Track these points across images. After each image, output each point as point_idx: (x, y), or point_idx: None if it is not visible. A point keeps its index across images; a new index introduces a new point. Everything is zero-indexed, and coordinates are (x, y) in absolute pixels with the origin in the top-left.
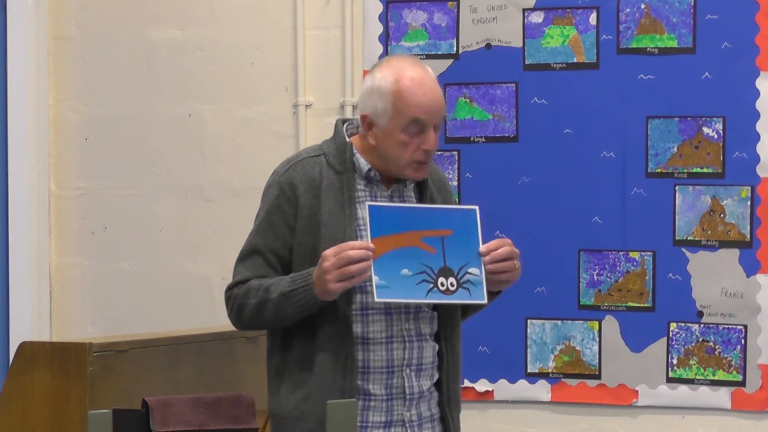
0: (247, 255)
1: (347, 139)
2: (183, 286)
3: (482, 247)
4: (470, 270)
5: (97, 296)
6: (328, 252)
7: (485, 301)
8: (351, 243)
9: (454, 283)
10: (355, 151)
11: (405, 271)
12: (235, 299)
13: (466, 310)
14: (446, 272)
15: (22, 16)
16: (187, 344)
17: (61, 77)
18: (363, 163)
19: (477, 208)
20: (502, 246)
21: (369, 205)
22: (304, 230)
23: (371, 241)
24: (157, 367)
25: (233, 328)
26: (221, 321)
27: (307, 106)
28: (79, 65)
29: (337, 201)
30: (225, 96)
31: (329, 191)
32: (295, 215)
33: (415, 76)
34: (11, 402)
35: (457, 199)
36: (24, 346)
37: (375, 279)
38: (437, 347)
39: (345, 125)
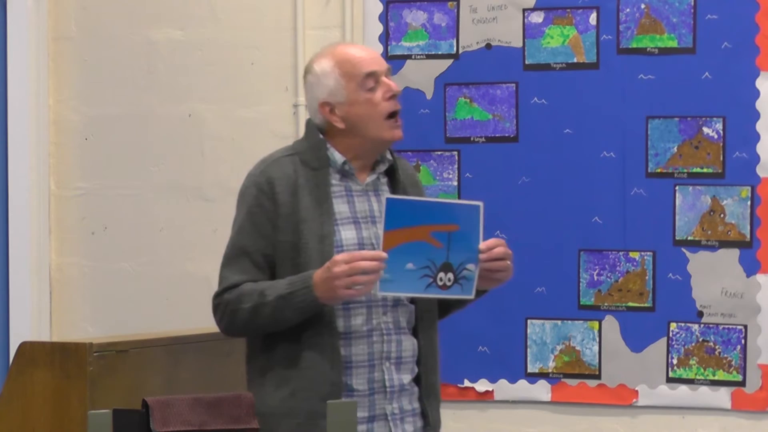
0: (232, 259)
1: (320, 136)
2: (183, 286)
3: (482, 245)
4: (467, 266)
5: (97, 296)
6: (340, 258)
7: (472, 297)
8: (363, 253)
9: (452, 278)
10: (329, 146)
11: (410, 265)
12: (227, 305)
13: (449, 306)
14: (447, 267)
15: (22, 16)
16: (187, 344)
17: (61, 77)
18: (338, 157)
19: (481, 204)
20: (499, 245)
21: (387, 198)
22: (285, 227)
23: (384, 234)
24: (157, 367)
25: None
26: None
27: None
28: (79, 65)
29: (314, 197)
30: (225, 96)
31: (306, 188)
32: (276, 212)
33: (344, 45)
34: (11, 402)
35: (457, 197)
36: (24, 346)
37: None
38: (415, 341)
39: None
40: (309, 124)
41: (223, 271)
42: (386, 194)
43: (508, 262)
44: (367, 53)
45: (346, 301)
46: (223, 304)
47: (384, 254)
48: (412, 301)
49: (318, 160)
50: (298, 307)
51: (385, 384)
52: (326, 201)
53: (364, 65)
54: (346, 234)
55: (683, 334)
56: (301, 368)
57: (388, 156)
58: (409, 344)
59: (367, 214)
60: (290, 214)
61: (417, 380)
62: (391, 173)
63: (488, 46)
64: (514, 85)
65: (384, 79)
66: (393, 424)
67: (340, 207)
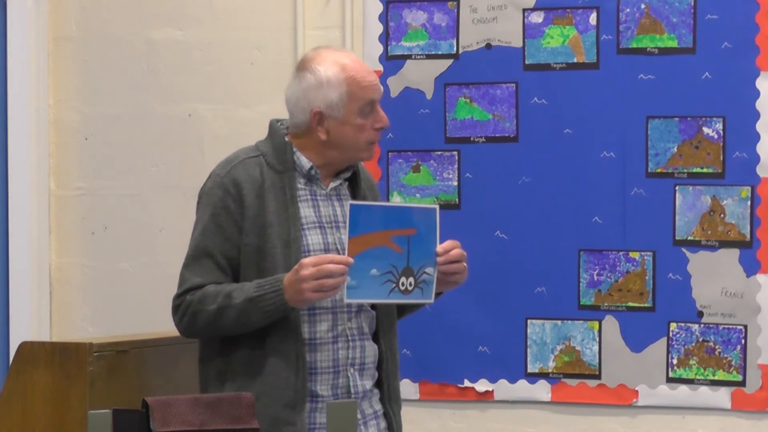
0: (195, 260)
1: (286, 138)
2: None
3: (439, 247)
4: (426, 270)
5: (97, 296)
6: (307, 261)
7: (431, 301)
8: (330, 256)
9: (413, 282)
10: (295, 149)
11: (374, 271)
12: (189, 306)
13: (404, 310)
14: (407, 272)
15: (22, 16)
16: (187, 344)
17: (61, 77)
18: (305, 161)
19: (437, 207)
20: (455, 247)
21: (351, 204)
22: (250, 230)
23: (349, 240)
24: (157, 367)
25: None
26: None
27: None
28: (79, 65)
29: (280, 200)
30: (225, 96)
31: (272, 191)
32: (242, 214)
33: (354, 60)
34: (11, 402)
35: (457, 200)
36: (24, 346)
37: (347, 280)
38: (376, 346)
39: (279, 124)
40: (273, 125)
41: (185, 272)
42: (348, 199)
43: (464, 264)
44: (373, 77)
45: (312, 308)
46: (184, 305)
47: (350, 259)
48: (373, 306)
49: (283, 163)
50: (266, 310)
51: (350, 390)
52: (293, 205)
53: (370, 92)
54: (313, 239)
55: (683, 334)
56: (264, 374)
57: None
58: (371, 350)
59: (331, 218)
60: (256, 216)
61: (378, 384)
62: (352, 178)
63: (488, 46)
64: (514, 85)
65: (379, 108)
66: (357, 429)
67: (306, 211)
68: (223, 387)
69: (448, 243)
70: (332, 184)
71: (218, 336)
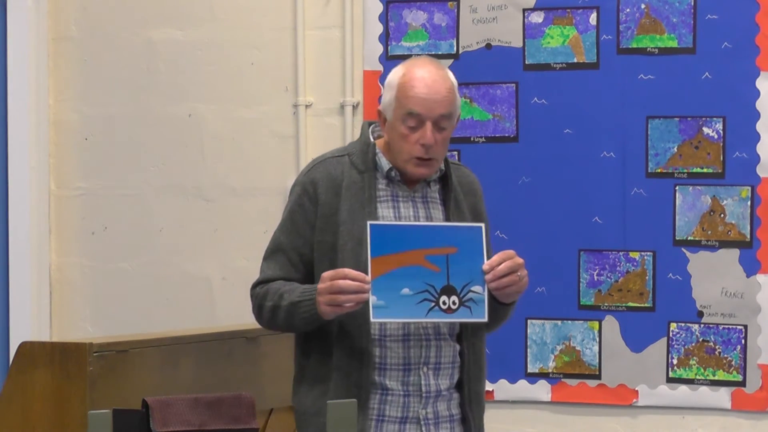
0: (271, 253)
1: (371, 140)
2: (183, 286)
3: (485, 265)
4: (473, 288)
5: (97, 296)
6: (326, 274)
7: (485, 320)
8: (346, 271)
9: (456, 301)
10: (378, 151)
11: (406, 290)
12: (256, 298)
13: (497, 316)
14: (449, 290)
15: (22, 16)
16: (187, 344)
17: (61, 77)
18: (385, 163)
19: (483, 225)
20: (505, 260)
21: (370, 224)
22: (324, 228)
23: (371, 260)
24: (157, 367)
25: (233, 328)
26: (221, 321)
27: (307, 106)
28: (79, 65)
29: (358, 199)
30: (225, 96)
31: (351, 190)
32: (316, 213)
33: (422, 71)
34: (11, 402)
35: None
36: (24, 346)
37: (372, 299)
38: (458, 347)
39: (371, 127)
40: (363, 126)
41: (262, 264)
42: (436, 202)
43: (518, 274)
44: (426, 93)
45: None
46: (254, 297)
47: (365, 275)
48: None
49: (365, 163)
50: (303, 317)
51: (421, 388)
52: (369, 204)
53: (412, 103)
54: None
55: (683, 334)
56: (332, 369)
57: (441, 165)
58: (449, 351)
59: (411, 221)
60: (331, 215)
61: (459, 386)
62: (445, 180)
63: (488, 46)
64: (514, 85)
65: (427, 127)
66: (425, 428)
67: (385, 212)
68: (301, 383)
69: (496, 258)
70: (417, 186)
71: (284, 331)
